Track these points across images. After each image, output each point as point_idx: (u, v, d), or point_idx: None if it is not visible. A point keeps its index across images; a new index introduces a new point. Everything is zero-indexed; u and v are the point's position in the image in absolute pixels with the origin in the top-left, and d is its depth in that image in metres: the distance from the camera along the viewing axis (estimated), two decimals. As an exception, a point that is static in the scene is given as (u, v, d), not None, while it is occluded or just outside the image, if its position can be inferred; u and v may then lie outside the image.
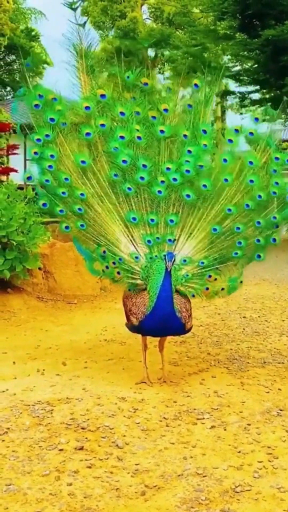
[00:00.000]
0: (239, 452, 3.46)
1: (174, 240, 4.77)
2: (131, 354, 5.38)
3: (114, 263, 4.75)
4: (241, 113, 20.77)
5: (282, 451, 3.47)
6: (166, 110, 4.80)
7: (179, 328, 4.61)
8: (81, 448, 3.46)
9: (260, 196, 4.76)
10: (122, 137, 4.68)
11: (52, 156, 4.75)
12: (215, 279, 4.89)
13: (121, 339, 6.01)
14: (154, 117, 4.77)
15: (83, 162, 4.74)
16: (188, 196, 4.71)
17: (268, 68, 14.77)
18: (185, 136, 4.79)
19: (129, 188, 4.70)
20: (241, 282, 5.04)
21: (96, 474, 3.18)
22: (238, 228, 4.78)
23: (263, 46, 14.12)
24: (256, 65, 15.48)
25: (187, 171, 4.68)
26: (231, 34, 15.66)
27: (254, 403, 4.24)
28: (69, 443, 3.51)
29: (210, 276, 4.81)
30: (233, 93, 18.03)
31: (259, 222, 4.81)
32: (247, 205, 4.77)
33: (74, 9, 5.10)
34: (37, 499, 2.92)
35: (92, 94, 4.88)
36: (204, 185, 4.73)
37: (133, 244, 4.77)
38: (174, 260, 4.42)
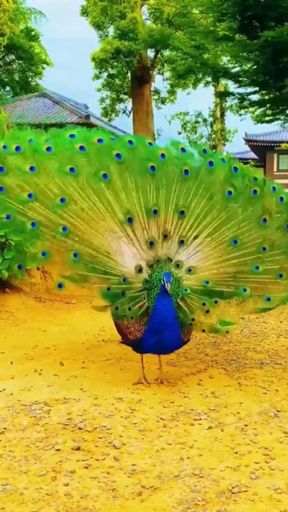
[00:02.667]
0: (236, 453, 3.46)
1: (183, 241, 4.64)
2: (128, 354, 5.38)
3: (123, 293, 4.56)
4: (240, 114, 20.76)
5: (279, 452, 3.47)
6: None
7: (179, 342, 4.65)
8: (78, 449, 3.46)
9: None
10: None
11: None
12: (208, 311, 4.75)
13: (119, 340, 6.00)
14: None
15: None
16: None
17: (268, 69, 14.74)
18: None
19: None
20: (227, 332, 5.03)
21: (92, 474, 3.18)
22: (264, 248, 4.71)
23: (262, 48, 14.08)
24: (255, 67, 15.44)
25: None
26: (231, 35, 15.62)
27: (251, 404, 4.24)
28: (66, 443, 3.51)
29: (204, 304, 4.66)
30: (232, 94, 17.98)
31: None
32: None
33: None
34: (33, 499, 2.91)
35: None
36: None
37: (133, 253, 4.59)
38: (173, 280, 4.42)
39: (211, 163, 4.67)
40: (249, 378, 4.85)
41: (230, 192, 4.65)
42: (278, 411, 4.10)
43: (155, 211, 4.56)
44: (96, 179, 4.53)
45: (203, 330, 4.86)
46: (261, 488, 3.05)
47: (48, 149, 4.56)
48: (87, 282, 4.70)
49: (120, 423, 3.84)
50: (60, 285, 4.79)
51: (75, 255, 4.58)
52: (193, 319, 4.67)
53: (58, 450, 3.44)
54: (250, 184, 4.75)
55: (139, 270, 4.59)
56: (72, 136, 4.63)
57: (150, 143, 4.75)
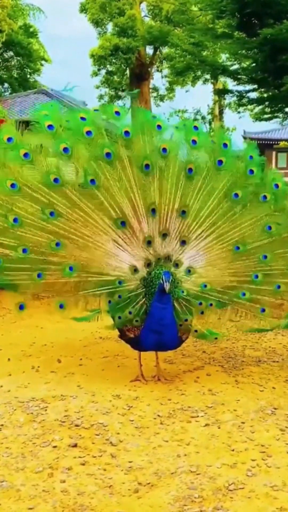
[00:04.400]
0: (233, 450, 3.46)
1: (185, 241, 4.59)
2: (126, 351, 5.38)
3: (119, 296, 4.52)
4: (238, 112, 20.77)
5: (275, 449, 3.47)
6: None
7: (177, 341, 4.63)
8: (75, 445, 3.46)
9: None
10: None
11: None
12: (202, 313, 4.71)
13: (116, 337, 6.00)
14: None
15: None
16: None
17: (266, 67, 14.73)
18: None
19: None
20: (216, 338, 4.89)
21: (89, 471, 3.18)
22: (264, 256, 4.61)
23: (261, 45, 14.06)
24: (254, 64, 15.43)
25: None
26: (230, 32, 15.60)
27: (248, 401, 4.24)
28: (63, 440, 3.51)
29: (201, 304, 4.60)
30: (231, 91, 17.97)
31: None
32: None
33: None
34: (30, 496, 2.91)
35: None
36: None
37: (129, 254, 4.55)
38: (172, 280, 4.33)
39: (220, 162, 4.58)
40: (246, 376, 4.85)
41: (236, 195, 4.58)
42: (275, 409, 4.10)
43: (153, 210, 4.51)
44: (85, 185, 4.44)
45: (195, 331, 4.76)
46: (258, 485, 3.05)
47: (26, 155, 4.41)
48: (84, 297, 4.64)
49: (117, 420, 3.84)
50: (61, 306, 4.66)
51: (70, 268, 4.50)
52: (186, 320, 4.59)
53: (55, 447, 3.44)
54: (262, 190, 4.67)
55: (135, 269, 4.55)
56: (50, 127, 4.41)
57: (159, 126, 4.56)
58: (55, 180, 4.39)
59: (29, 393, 4.29)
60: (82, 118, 4.47)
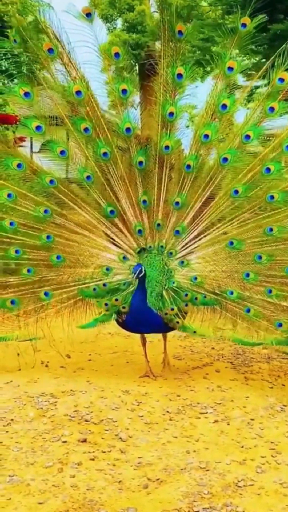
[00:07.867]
0: (242, 447, 3.46)
1: (179, 232, 4.56)
2: (135, 347, 5.38)
3: (105, 285, 4.52)
4: (248, 108, 20.71)
5: (285, 446, 3.47)
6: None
7: (160, 325, 4.56)
8: (85, 441, 3.47)
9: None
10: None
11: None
12: (186, 305, 4.56)
13: (125, 332, 6.00)
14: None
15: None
16: None
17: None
18: None
19: None
20: (195, 332, 4.64)
21: (99, 466, 3.19)
22: (259, 257, 4.45)
23: (271, 41, 14.01)
24: (264, 60, 15.37)
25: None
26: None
27: (257, 398, 4.23)
28: (73, 435, 3.53)
29: (186, 295, 4.49)
30: (240, 87, 17.96)
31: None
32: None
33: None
34: (40, 491, 2.93)
35: None
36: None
37: (118, 244, 4.59)
38: (140, 271, 4.24)
39: (225, 160, 4.49)
40: (255, 373, 4.85)
41: (236, 191, 4.48)
42: (285, 406, 4.09)
43: (145, 201, 4.54)
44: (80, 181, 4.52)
45: (177, 322, 4.54)
46: (267, 482, 3.05)
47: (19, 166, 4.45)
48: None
49: (126, 416, 3.84)
50: (46, 294, 4.64)
51: (58, 257, 4.53)
52: (172, 309, 4.45)
53: (64, 442, 3.45)
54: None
55: (124, 257, 4.58)
56: (38, 128, 4.43)
57: (170, 114, 4.54)
58: (51, 181, 4.47)
59: (38, 388, 4.30)
60: (78, 93, 4.53)
